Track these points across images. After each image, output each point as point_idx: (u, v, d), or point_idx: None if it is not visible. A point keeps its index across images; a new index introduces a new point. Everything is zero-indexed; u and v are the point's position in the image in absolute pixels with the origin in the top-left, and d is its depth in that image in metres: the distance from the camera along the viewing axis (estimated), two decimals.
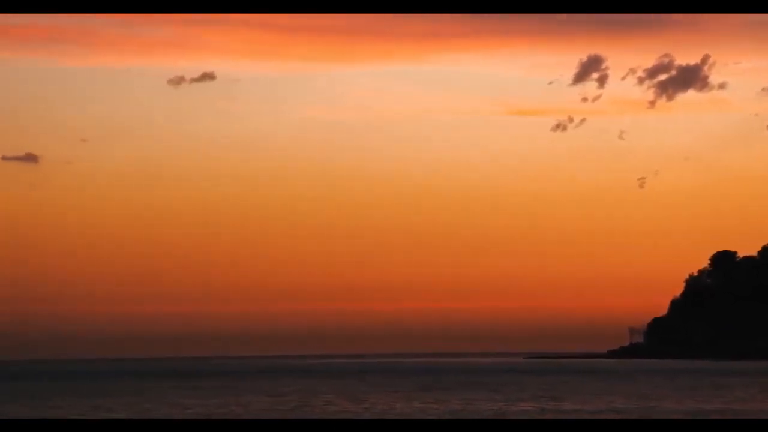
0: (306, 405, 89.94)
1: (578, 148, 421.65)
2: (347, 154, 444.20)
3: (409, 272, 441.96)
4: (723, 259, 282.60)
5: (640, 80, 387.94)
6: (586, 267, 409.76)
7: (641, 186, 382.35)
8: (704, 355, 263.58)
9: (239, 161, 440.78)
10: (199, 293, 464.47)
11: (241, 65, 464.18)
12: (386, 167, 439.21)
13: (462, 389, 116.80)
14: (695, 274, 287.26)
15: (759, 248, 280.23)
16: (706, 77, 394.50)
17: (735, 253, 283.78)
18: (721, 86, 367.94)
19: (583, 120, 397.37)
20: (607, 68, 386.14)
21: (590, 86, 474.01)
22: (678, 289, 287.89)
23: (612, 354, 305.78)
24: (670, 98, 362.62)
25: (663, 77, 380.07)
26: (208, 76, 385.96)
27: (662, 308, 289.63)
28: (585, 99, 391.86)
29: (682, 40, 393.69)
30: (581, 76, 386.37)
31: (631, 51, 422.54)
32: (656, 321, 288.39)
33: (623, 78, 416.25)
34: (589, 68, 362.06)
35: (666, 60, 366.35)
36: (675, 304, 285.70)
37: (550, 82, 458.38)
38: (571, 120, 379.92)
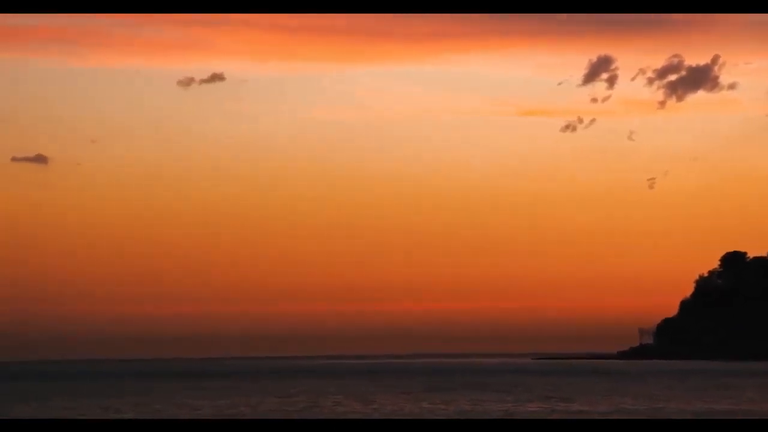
0: (315, 405, 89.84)
1: (588, 149, 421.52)
2: (354, 154, 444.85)
3: (413, 272, 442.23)
4: (733, 260, 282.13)
5: (650, 81, 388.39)
6: (595, 268, 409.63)
7: (651, 186, 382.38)
8: (714, 355, 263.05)
9: (247, 162, 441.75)
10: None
11: (250, 66, 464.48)
12: (391, 167, 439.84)
13: (471, 390, 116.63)
14: (705, 274, 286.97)
15: None
16: (716, 78, 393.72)
17: (745, 253, 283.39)
18: (732, 87, 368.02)
19: (592, 120, 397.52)
20: (616, 69, 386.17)
21: (600, 87, 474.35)
22: (688, 290, 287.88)
23: (621, 355, 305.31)
24: (680, 99, 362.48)
25: (673, 78, 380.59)
26: (217, 77, 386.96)
27: (672, 309, 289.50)
28: (594, 99, 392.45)
29: (692, 41, 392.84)
30: (591, 77, 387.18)
31: (640, 51, 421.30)
32: (666, 322, 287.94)
33: (633, 78, 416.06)
34: (599, 69, 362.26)
35: (676, 60, 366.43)
36: (685, 304, 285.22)
37: (560, 83, 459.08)
38: (580, 120, 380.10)
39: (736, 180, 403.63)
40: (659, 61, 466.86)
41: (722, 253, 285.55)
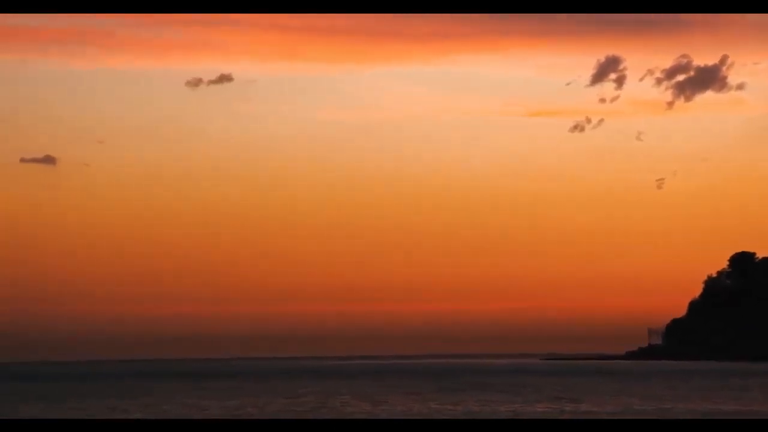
0: (323, 406, 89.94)
1: (596, 149, 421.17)
2: (359, 154, 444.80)
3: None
4: (742, 260, 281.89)
5: (658, 81, 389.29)
6: (603, 268, 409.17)
7: (659, 187, 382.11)
8: (723, 356, 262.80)
9: (252, 162, 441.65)
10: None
11: (257, 67, 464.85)
12: (396, 167, 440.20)
13: (479, 391, 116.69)
14: (714, 275, 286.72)
15: None
16: (725, 78, 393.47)
17: (754, 254, 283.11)
18: (740, 87, 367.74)
19: (601, 121, 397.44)
20: (625, 69, 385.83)
21: (608, 87, 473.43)
22: (697, 290, 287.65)
23: (630, 355, 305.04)
24: (688, 99, 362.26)
25: (681, 78, 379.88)
26: (225, 78, 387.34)
27: (681, 309, 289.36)
28: (603, 100, 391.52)
29: (701, 41, 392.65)
30: (599, 77, 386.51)
31: (649, 52, 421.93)
32: (675, 322, 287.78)
33: (641, 79, 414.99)
34: (607, 69, 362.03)
35: (684, 60, 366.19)
36: (694, 305, 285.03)
37: (568, 83, 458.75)
38: (588, 121, 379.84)
39: (744, 180, 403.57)
40: (668, 62, 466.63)
41: (731, 253, 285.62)
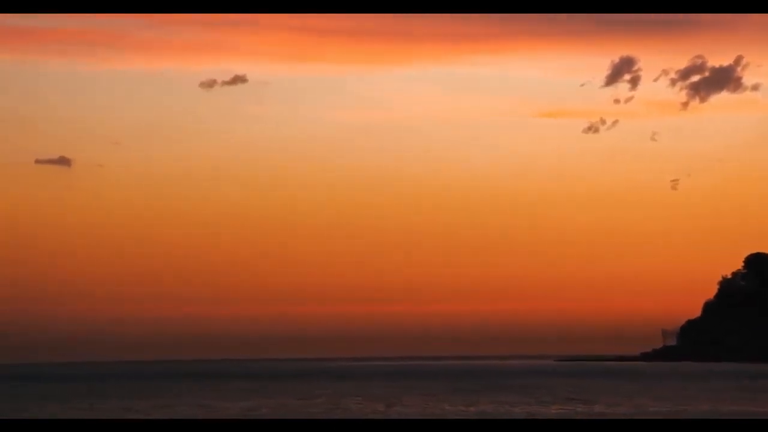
0: (337, 407, 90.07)
1: (610, 150, 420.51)
2: (375, 155, 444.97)
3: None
4: (757, 261, 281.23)
5: (673, 82, 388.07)
6: (618, 269, 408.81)
7: (674, 188, 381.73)
8: (738, 357, 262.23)
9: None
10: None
11: (271, 68, 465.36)
12: (408, 167, 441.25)
13: (494, 392, 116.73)
14: (729, 276, 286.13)
15: None
16: (739, 78, 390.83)
17: None
18: (755, 87, 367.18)
19: (615, 122, 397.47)
20: (639, 70, 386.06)
21: (622, 88, 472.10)
22: (711, 291, 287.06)
23: (645, 356, 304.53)
24: (702, 100, 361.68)
25: (696, 78, 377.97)
26: (239, 79, 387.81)
27: (695, 310, 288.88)
28: (617, 101, 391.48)
29: (715, 41, 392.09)
30: (613, 78, 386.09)
31: (663, 52, 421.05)
32: (689, 323, 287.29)
33: (656, 80, 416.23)
34: (622, 70, 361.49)
35: (699, 61, 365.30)
36: (708, 306, 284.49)
37: (582, 84, 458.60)
38: (603, 122, 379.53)
39: (759, 181, 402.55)
40: (682, 62, 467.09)
41: (746, 254, 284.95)
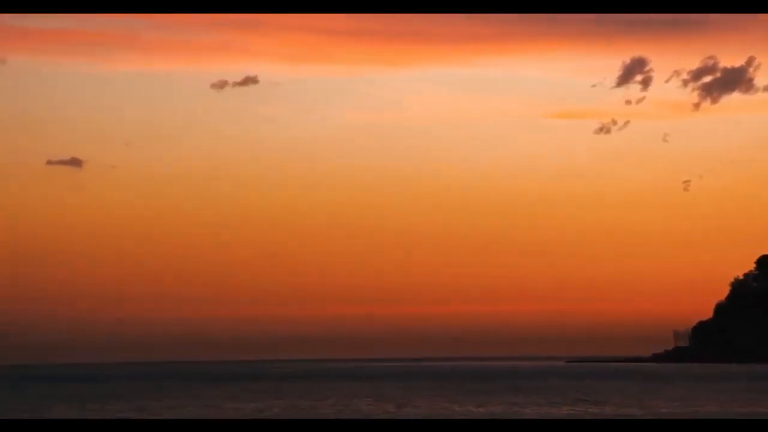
0: (348, 408, 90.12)
1: (622, 151, 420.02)
2: (386, 155, 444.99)
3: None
4: None
5: (685, 82, 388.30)
6: (630, 270, 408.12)
7: (686, 189, 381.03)
8: (749, 359, 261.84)
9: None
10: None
11: (282, 69, 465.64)
12: (420, 169, 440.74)
13: (504, 393, 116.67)
14: (740, 277, 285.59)
15: None
16: (751, 79, 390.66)
17: None
18: (767, 88, 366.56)
19: (626, 123, 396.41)
20: (650, 70, 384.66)
21: (634, 89, 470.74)
22: (723, 293, 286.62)
23: (656, 358, 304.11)
24: (714, 101, 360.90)
25: (707, 79, 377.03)
26: (251, 80, 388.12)
27: (707, 312, 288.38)
28: (629, 101, 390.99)
29: (727, 42, 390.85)
30: (625, 79, 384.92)
31: (675, 53, 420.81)
32: (701, 324, 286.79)
33: (667, 80, 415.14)
34: (633, 70, 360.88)
35: (710, 62, 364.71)
36: (720, 307, 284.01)
37: (593, 85, 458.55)
38: (614, 123, 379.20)
39: None
40: (694, 63, 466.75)
41: (758, 255, 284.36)
